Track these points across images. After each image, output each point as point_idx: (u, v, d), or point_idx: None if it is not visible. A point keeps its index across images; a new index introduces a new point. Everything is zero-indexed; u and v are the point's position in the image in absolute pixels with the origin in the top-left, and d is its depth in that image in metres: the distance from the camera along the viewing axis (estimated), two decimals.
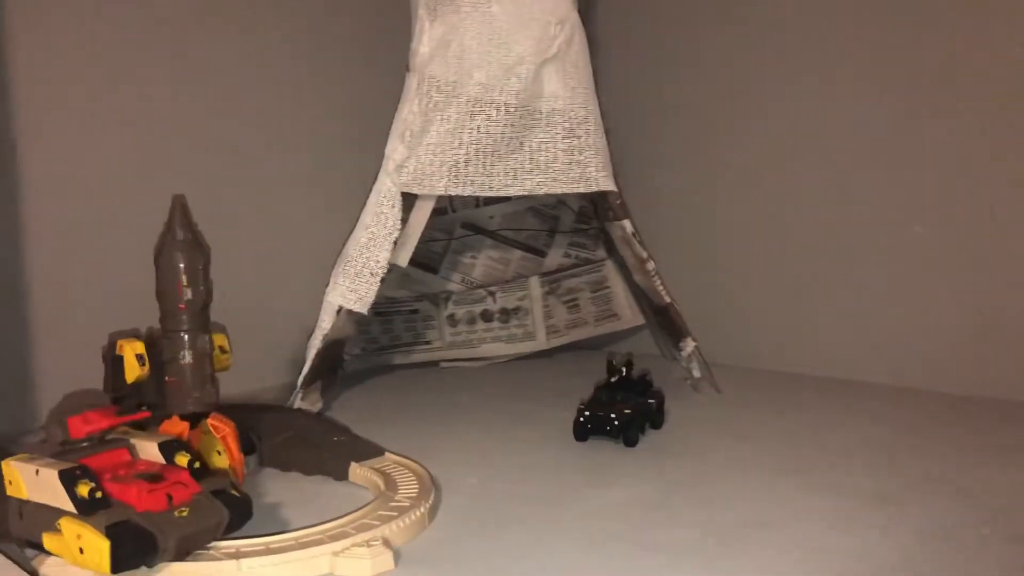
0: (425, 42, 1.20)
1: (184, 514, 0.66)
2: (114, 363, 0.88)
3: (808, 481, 0.89)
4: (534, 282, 1.56)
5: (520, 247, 1.54)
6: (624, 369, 1.07)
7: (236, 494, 0.71)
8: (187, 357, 0.88)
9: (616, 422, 1.00)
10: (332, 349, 1.24)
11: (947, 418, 1.13)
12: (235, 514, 0.69)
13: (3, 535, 0.69)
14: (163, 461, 0.72)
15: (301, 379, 1.19)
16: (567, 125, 1.20)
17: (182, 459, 0.71)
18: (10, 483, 0.69)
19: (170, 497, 0.66)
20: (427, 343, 1.53)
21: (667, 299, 1.27)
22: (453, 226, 1.52)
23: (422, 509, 0.77)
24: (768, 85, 1.42)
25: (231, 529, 0.69)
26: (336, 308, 1.18)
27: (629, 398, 1.04)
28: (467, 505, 0.85)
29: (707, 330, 1.43)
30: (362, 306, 1.17)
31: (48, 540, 0.65)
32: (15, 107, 1.11)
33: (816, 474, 0.92)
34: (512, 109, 1.17)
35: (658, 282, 1.27)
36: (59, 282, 1.14)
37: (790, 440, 1.04)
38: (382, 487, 0.84)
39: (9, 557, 0.67)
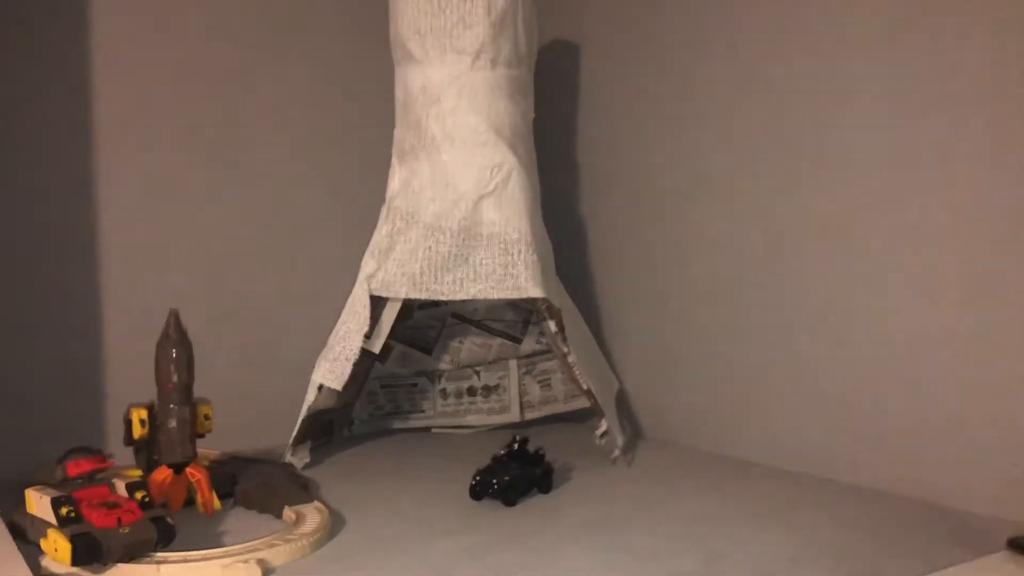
0: (395, 181, 1.56)
1: (126, 531, 1.00)
2: (126, 424, 1.25)
3: (612, 544, 1.12)
4: (512, 364, 1.85)
5: (499, 334, 1.84)
6: (517, 444, 1.34)
7: (169, 521, 1.05)
8: (173, 423, 1.24)
9: (496, 486, 1.28)
10: (318, 416, 1.58)
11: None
12: (162, 534, 1.02)
13: (23, 537, 1.06)
14: (127, 495, 1.07)
15: (291, 439, 1.54)
16: (502, 245, 1.51)
17: (139, 494, 1.06)
18: (28, 503, 1.06)
19: (119, 519, 1.00)
20: (422, 412, 1.85)
21: (585, 386, 1.54)
22: (445, 316, 1.84)
23: (302, 541, 1.09)
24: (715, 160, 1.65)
25: (162, 544, 1.03)
26: (318, 385, 1.52)
27: (518, 467, 1.32)
28: (352, 541, 1.15)
29: (653, 406, 1.69)
30: (338, 384, 1.51)
31: (43, 542, 1.01)
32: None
33: (626, 543, 1.14)
34: (456, 233, 1.50)
35: (577, 371, 1.53)
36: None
37: (643, 512, 1.25)
38: (293, 523, 1.16)
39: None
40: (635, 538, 1.14)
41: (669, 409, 1.73)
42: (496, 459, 1.33)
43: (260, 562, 1.02)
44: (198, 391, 1.30)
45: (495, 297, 1.51)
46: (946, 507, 1.23)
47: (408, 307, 1.75)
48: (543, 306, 1.53)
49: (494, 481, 1.29)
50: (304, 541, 1.09)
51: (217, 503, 1.27)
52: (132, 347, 1.45)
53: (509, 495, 1.29)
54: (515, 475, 1.30)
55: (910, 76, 1.28)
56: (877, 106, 1.32)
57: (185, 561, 1.01)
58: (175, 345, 1.24)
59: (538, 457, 1.36)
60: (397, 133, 1.57)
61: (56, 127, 1.56)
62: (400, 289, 1.51)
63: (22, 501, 1.08)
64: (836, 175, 1.38)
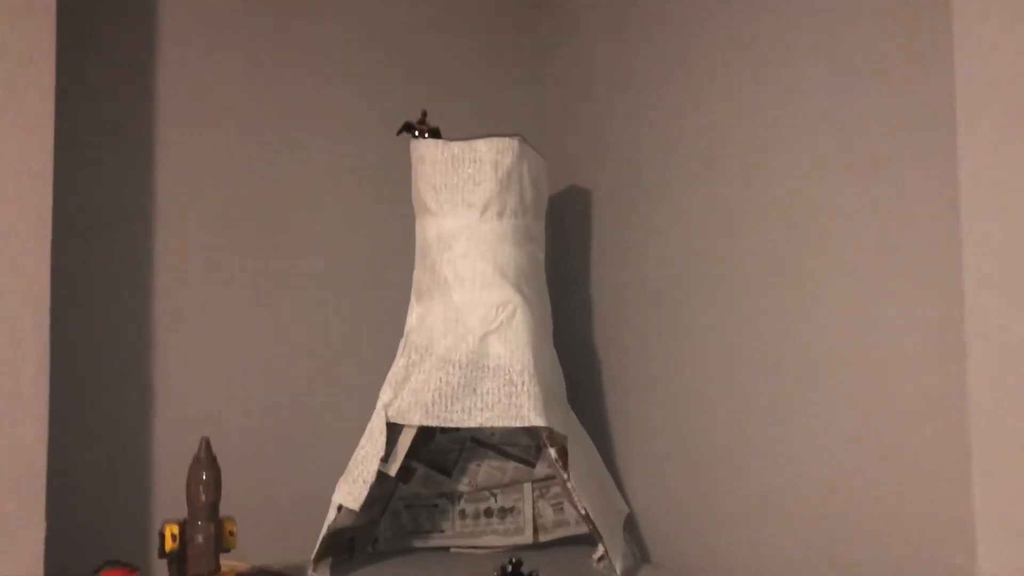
0: (412, 318, 1.73)
1: None
2: (160, 538, 1.40)
3: None
4: (527, 487, 1.96)
5: (514, 458, 1.96)
6: (512, 566, 1.45)
7: None
8: (200, 538, 1.39)
9: None
10: (339, 534, 1.71)
11: None
12: None
13: None
14: None
15: (313, 555, 1.67)
16: (507, 376, 1.65)
17: None
18: None
19: None
20: (442, 532, 1.96)
21: (582, 511, 1.64)
22: (464, 440, 1.97)
23: None
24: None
25: None
26: (337, 506, 1.66)
27: None
28: None
29: (661, 530, 1.76)
30: (355, 505, 1.64)
31: None
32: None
33: None
34: (465, 365, 1.65)
35: (575, 496, 1.64)
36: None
37: None
38: None
39: None
40: None
41: (675, 533, 1.80)
42: None
43: None
44: (232, 508, 1.45)
45: (500, 425, 1.64)
46: None
47: (430, 431, 1.90)
48: (544, 434, 1.66)
49: None
50: None
51: None
52: (178, 466, 1.61)
53: None
54: None
55: None
56: None
57: None
58: (205, 468, 1.40)
59: None
60: (416, 275, 1.76)
61: (119, 251, 1.80)
62: (414, 417, 1.65)
63: None
64: (849, 295, 1.47)
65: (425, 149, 1.73)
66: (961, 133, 1.23)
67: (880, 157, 1.36)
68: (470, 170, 1.68)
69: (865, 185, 1.39)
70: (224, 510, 1.46)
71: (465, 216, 1.68)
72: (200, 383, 1.85)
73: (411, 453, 1.80)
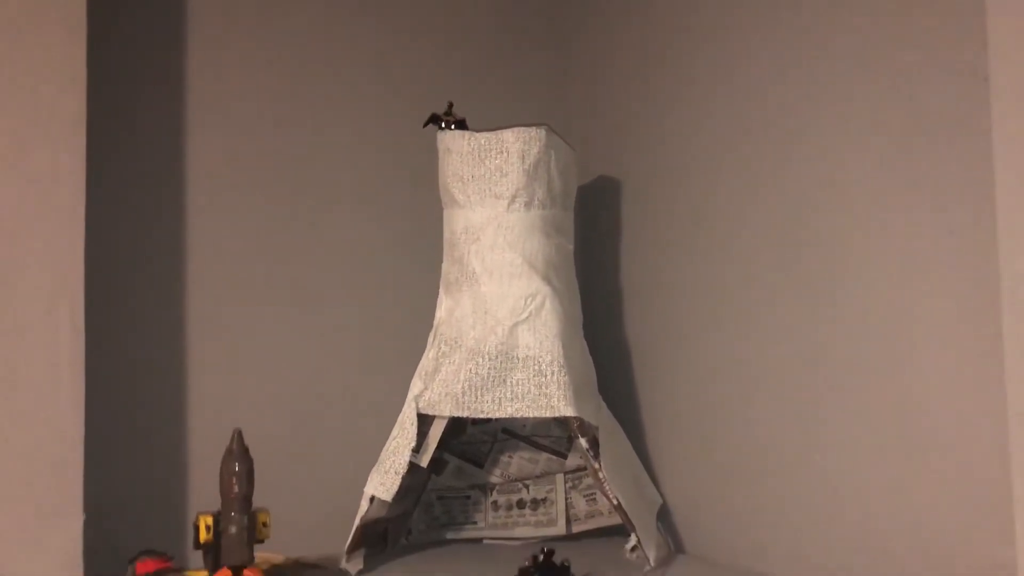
0: (441, 310, 1.73)
1: None
2: (195, 529, 1.42)
3: None
4: (559, 478, 1.96)
5: (546, 450, 1.96)
6: (543, 556, 1.45)
7: None
8: (233, 529, 1.40)
9: None
10: (373, 525, 1.72)
11: None
12: None
13: None
14: None
15: (346, 547, 1.68)
16: (537, 367, 1.65)
17: None
18: None
19: None
20: (475, 523, 1.96)
21: (615, 501, 1.63)
22: (496, 431, 1.98)
23: None
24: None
25: None
26: (370, 497, 1.66)
27: None
28: None
29: (694, 521, 1.75)
30: (387, 495, 1.65)
31: None
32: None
33: None
34: (495, 356, 1.65)
35: (607, 487, 1.63)
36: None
37: None
38: None
39: None
40: None
41: (707, 524, 1.79)
42: (522, 570, 1.44)
43: None
44: (267, 500, 1.47)
45: (531, 415, 1.64)
46: None
47: (462, 423, 1.90)
48: (575, 424, 1.65)
49: None
50: None
51: None
52: (214, 459, 1.63)
53: None
54: None
55: None
56: None
57: None
58: (237, 459, 1.42)
59: (563, 569, 1.46)
60: (444, 267, 1.76)
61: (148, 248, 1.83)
62: (445, 408, 1.66)
63: None
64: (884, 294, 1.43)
65: (451, 141, 1.73)
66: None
67: (912, 131, 1.34)
68: (497, 161, 1.68)
69: (899, 169, 1.37)
70: (259, 502, 1.47)
71: (492, 207, 1.68)
72: (234, 376, 1.87)
73: (443, 445, 1.81)
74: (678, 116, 1.86)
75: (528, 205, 1.69)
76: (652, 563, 1.61)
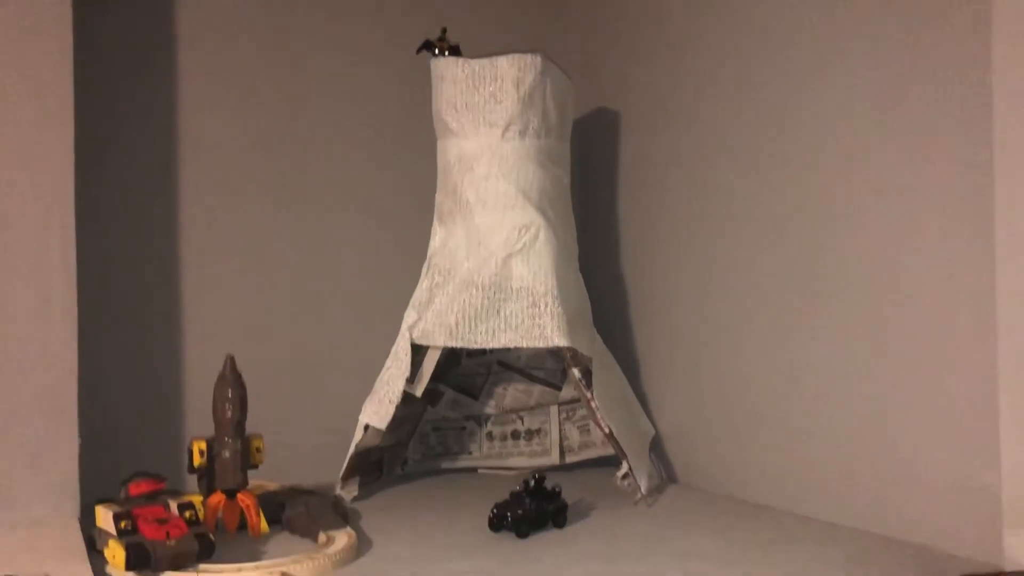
0: (435, 241, 1.72)
1: (173, 543, 1.17)
2: (189, 454, 1.44)
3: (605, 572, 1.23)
4: (553, 410, 1.97)
5: (540, 381, 1.97)
6: (534, 481, 1.46)
7: (210, 537, 1.21)
8: (227, 454, 1.42)
9: (511, 519, 1.40)
10: (367, 454, 1.74)
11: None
12: (203, 548, 1.19)
13: (94, 546, 1.25)
14: (177, 514, 1.24)
15: (340, 474, 1.70)
16: (530, 298, 1.64)
17: (187, 513, 1.23)
18: (96, 517, 1.25)
19: (168, 533, 1.18)
20: (470, 453, 1.98)
21: (607, 430, 1.64)
22: (491, 363, 1.98)
23: (325, 559, 1.23)
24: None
25: (203, 557, 1.19)
26: (364, 425, 1.68)
27: (533, 502, 1.43)
28: (373, 562, 1.30)
29: (686, 451, 1.77)
30: (381, 424, 1.66)
31: (105, 550, 1.20)
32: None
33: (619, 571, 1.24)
34: (488, 287, 1.64)
35: (599, 416, 1.64)
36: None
37: (644, 547, 1.35)
38: (324, 544, 1.31)
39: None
40: (629, 567, 1.25)
41: (699, 454, 1.80)
42: (513, 494, 1.45)
43: (284, 574, 1.17)
44: (262, 428, 1.48)
45: (524, 346, 1.64)
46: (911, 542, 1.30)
47: (456, 355, 1.91)
48: (568, 354, 1.65)
49: (508, 514, 1.40)
50: (327, 560, 1.24)
51: (264, 527, 1.43)
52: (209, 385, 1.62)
53: (521, 527, 1.40)
54: (528, 509, 1.41)
55: None
56: None
57: (221, 572, 1.18)
58: (230, 385, 1.43)
59: (554, 494, 1.47)
60: (438, 198, 1.75)
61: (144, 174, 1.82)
62: (438, 338, 1.66)
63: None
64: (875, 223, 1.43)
65: (445, 68, 1.70)
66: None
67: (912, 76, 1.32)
68: (491, 88, 1.65)
69: (897, 113, 1.35)
70: (254, 429, 1.48)
71: (486, 136, 1.66)
72: (227, 304, 1.87)
73: (438, 376, 1.81)
74: (682, 51, 1.81)
75: (523, 134, 1.66)
76: (643, 491, 1.63)
